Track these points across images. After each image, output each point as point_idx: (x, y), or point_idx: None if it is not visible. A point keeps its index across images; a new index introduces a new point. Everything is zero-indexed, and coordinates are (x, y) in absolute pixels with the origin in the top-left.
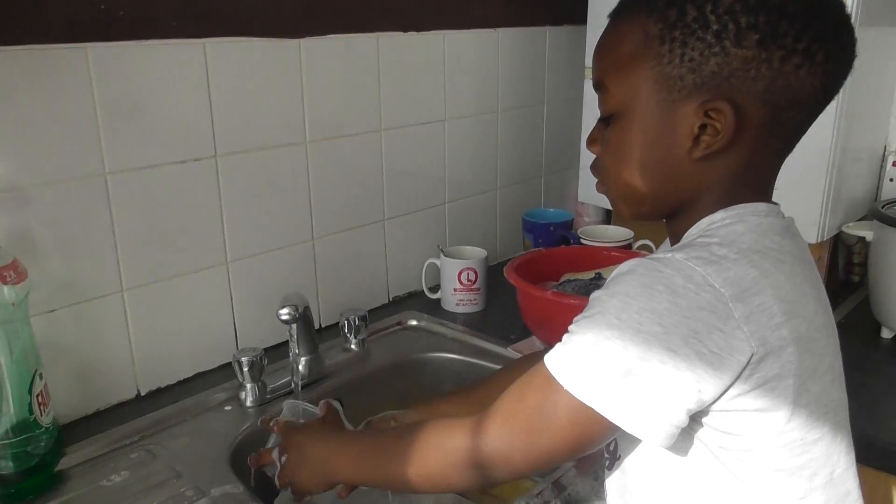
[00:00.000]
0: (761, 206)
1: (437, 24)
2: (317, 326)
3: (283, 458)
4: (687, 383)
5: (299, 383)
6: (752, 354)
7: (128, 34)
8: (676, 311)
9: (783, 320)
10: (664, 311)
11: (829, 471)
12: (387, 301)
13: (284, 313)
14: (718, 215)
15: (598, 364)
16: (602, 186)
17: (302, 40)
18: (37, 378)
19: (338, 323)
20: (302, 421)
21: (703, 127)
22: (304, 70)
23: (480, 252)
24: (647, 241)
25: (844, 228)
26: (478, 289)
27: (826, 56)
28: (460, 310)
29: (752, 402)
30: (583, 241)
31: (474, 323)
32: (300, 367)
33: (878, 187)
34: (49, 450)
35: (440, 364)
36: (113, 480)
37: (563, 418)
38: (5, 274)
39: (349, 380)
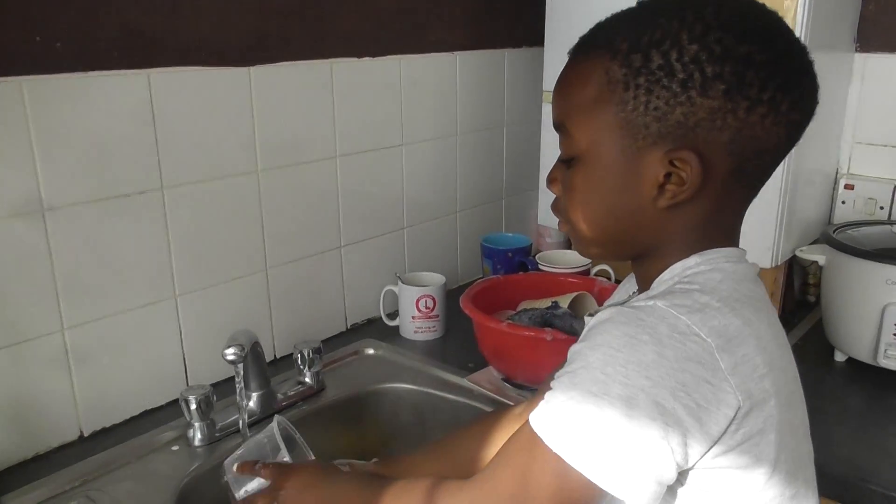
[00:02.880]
0: (734, 251)
1: (392, 49)
2: (271, 358)
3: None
4: (675, 439)
5: (246, 422)
6: (739, 408)
7: (66, 66)
8: (663, 362)
9: (766, 372)
10: (651, 364)
11: None
12: (345, 328)
13: (230, 353)
14: (692, 260)
15: (584, 423)
16: (564, 226)
17: (252, 68)
18: None
19: (292, 354)
20: (286, 459)
21: (667, 175)
22: (254, 98)
23: (439, 278)
24: (605, 267)
25: (798, 253)
26: (436, 316)
27: (791, 105)
28: (419, 337)
29: (735, 460)
30: (541, 266)
31: (433, 351)
32: (251, 404)
33: (831, 209)
34: None
35: (397, 395)
36: None
37: (550, 482)
38: None
39: (303, 415)
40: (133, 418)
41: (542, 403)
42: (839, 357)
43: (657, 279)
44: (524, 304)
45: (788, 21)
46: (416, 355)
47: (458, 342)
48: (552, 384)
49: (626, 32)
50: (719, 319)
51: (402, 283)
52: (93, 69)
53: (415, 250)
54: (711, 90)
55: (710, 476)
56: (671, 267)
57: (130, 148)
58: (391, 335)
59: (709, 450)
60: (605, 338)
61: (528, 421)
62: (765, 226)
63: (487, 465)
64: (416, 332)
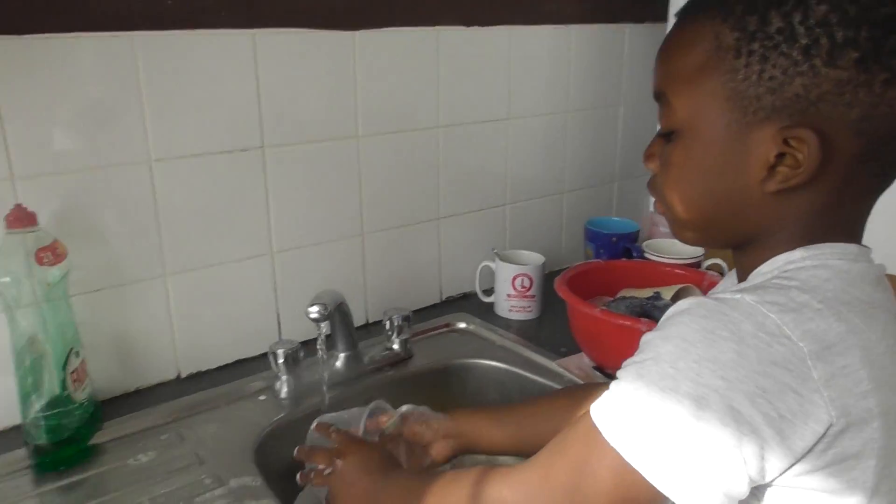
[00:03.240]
0: (851, 247)
1: (502, 19)
2: (363, 323)
3: (331, 470)
4: (750, 449)
5: (326, 380)
6: (831, 425)
7: (176, 23)
8: (743, 363)
9: (871, 388)
10: (728, 363)
11: None
12: (439, 300)
13: (314, 311)
14: (797, 254)
15: (647, 420)
16: (660, 206)
17: (356, 33)
18: (72, 356)
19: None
20: (360, 431)
21: (780, 156)
22: (357, 63)
23: (537, 258)
24: (719, 261)
25: None
26: (532, 296)
27: None
28: (513, 316)
29: (822, 482)
30: (647, 255)
31: (526, 331)
32: (337, 364)
33: None
34: (83, 424)
35: (484, 371)
36: (139, 460)
37: (606, 478)
38: (42, 255)
39: (388, 381)
40: (227, 365)
41: (605, 394)
42: None
43: (755, 271)
44: (623, 292)
45: None
46: (508, 334)
47: (552, 325)
48: (618, 373)
49: None
50: (818, 323)
51: (500, 259)
52: (200, 27)
53: (516, 228)
54: (841, 59)
55: (791, 496)
56: (773, 259)
57: (234, 105)
58: (485, 311)
59: (790, 467)
60: (679, 329)
61: (588, 411)
62: None
63: (541, 453)
64: (510, 310)
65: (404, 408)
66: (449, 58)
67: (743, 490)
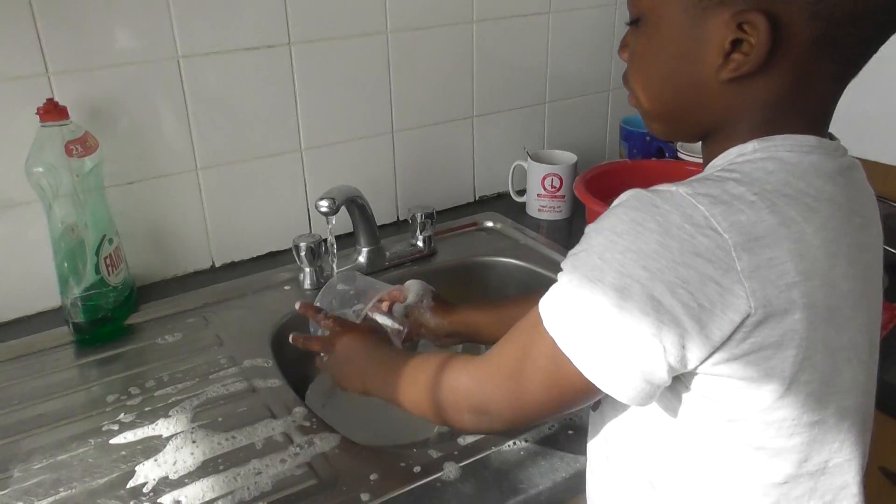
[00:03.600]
0: (809, 139)
1: None
2: (393, 220)
3: (328, 356)
4: (668, 338)
5: (334, 269)
6: (749, 315)
7: None
8: (666, 254)
9: (797, 280)
10: (651, 254)
11: (824, 458)
12: (473, 200)
13: (323, 205)
14: (750, 146)
15: (577, 310)
16: (631, 98)
17: None
18: (105, 243)
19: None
20: (351, 311)
21: (736, 42)
22: None
23: (570, 157)
24: None
25: None
26: (562, 196)
27: None
28: (543, 216)
29: (741, 370)
30: (680, 155)
31: (555, 231)
32: (360, 258)
33: None
34: (118, 306)
35: (505, 269)
36: (166, 340)
37: (543, 365)
38: (72, 147)
39: (410, 275)
40: (259, 257)
41: (553, 286)
42: None
43: (710, 164)
44: None
45: None
46: (534, 234)
47: (581, 225)
48: (561, 264)
49: None
50: (748, 215)
51: (531, 159)
52: None
53: (556, 127)
54: None
55: (713, 383)
56: (727, 151)
57: (259, 2)
58: (517, 212)
59: (710, 355)
60: (611, 220)
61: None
62: None
63: (498, 342)
64: (539, 210)
65: (412, 293)
66: None
67: (663, 377)
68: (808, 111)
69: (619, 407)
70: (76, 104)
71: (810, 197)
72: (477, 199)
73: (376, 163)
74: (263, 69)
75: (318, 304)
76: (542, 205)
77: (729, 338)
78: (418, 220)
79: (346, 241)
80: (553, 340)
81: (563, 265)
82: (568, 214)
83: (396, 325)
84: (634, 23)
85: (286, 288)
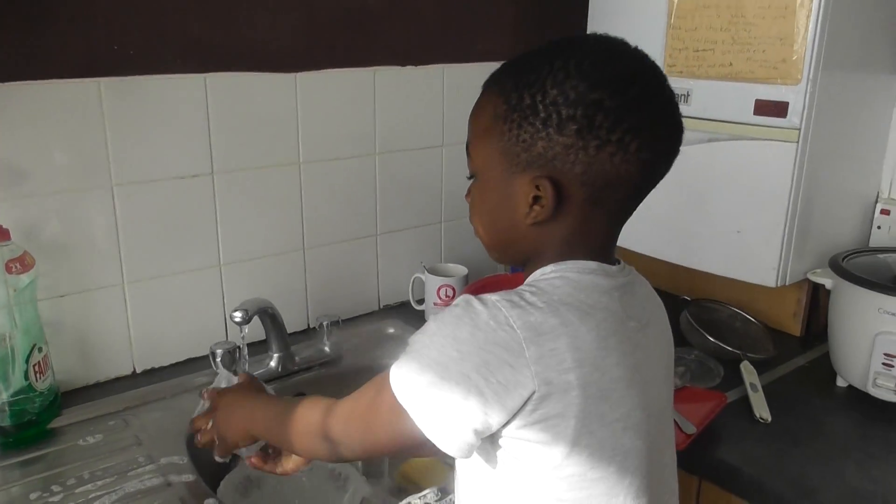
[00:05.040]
0: (590, 264)
1: (437, 59)
2: (304, 328)
3: (212, 421)
4: (475, 406)
5: (246, 369)
6: (534, 392)
7: (137, 70)
8: (473, 341)
9: (572, 366)
10: (464, 341)
11: None
12: (378, 308)
13: (237, 316)
14: (549, 268)
15: (413, 373)
16: (476, 232)
17: (298, 74)
18: (35, 351)
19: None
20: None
21: (536, 198)
22: (299, 101)
23: (462, 270)
24: None
25: (809, 275)
26: None
27: (640, 146)
28: None
29: (534, 435)
30: None
31: None
32: (272, 363)
33: (870, 233)
34: (43, 410)
35: None
36: (87, 441)
37: (385, 414)
38: (11, 265)
39: (319, 378)
40: (179, 363)
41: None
42: (840, 383)
43: (525, 280)
44: None
45: (797, 41)
46: None
47: None
48: (409, 339)
49: (513, 73)
50: (536, 317)
51: (427, 272)
52: (158, 73)
53: (450, 243)
54: (566, 129)
55: (516, 445)
56: (536, 271)
57: (189, 139)
58: (418, 318)
59: (508, 422)
60: (443, 315)
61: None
62: (768, 245)
63: (360, 388)
64: None
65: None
66: (385, 93)
67: (471, 437)
68: (591, 244)
69: (463, 464)
70: (17, 225)
71: (587, 305)
72: (381, 307)
73: (289, 276)
74: (188, 195)
75: None
76: (438, 312)
77: (521, 409)
78: (325, 328)
79: (260, 347)
80: (394, 395)
81: (408, 341)
82: None
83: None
84: (472, 177)
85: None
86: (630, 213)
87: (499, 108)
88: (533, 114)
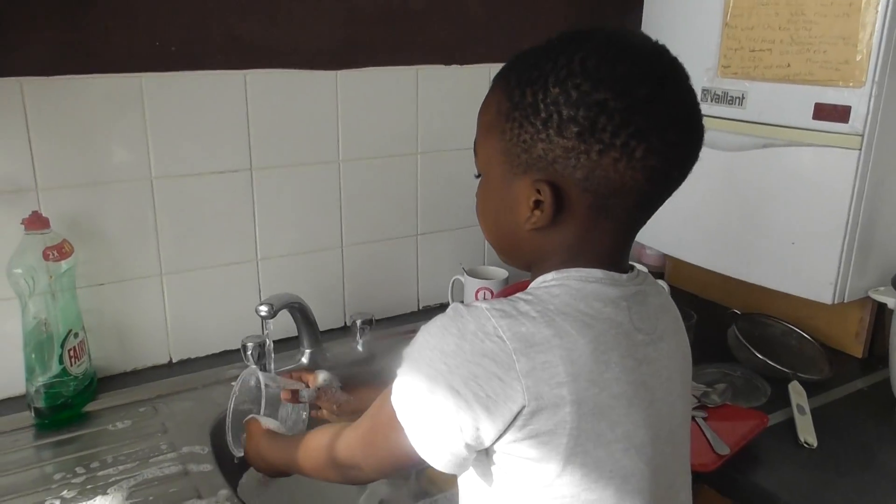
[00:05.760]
0: (596, 272)
1: (482, 58)
2: (341, 325)
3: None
4: (464, 421)
5: (271, 368)
6: (524, 406)
7: (178, 66)
8: (461, 353)
9: (566, 381)
10: (450, 353)
11: None
12: (416, 309)
13: (262, 309)
14: (550, 276)
15: (406, 389)
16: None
17: (339, 72)
18: (70, 336)
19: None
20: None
21: (537, 202)
22: (340, 98)
23: (501, 273)
24: (661, 283)
25: (871, 293)
26: None
27: (646, 152)
28: None
29: (526, 451)
30: None
31: None
32: (303, 359)
33: None
34: (77, 394)
35: None
36: (116, 426)
37: (384, 430)
38: (48, 252)
39: (346, 375)
40: (213, 354)
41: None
42: None
43: (527, 287)
44: None
45: (862, 40)
46: None
47: None
48: (404, 351)
49: (519, 69)
50: (528, 327)
51: (466, 274)
52: (198, 69)
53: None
54: (566, 131)
55: (509, 461)
56: (538, 278)
57: (228, 134)
58: None
59: (499, 437)
60: (429, 325)
61: None
62: (825, 259)
63: (365, 412)
64: None
65: (321, 379)
66: (428, 92)
67: (463, 452)
68: (597, 252)
69: (463, 480)
70: (58, 215)
71: (587, 316)
72: (420, 308)
73: (326, 273)
74: (227, 190)
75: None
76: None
77: (511, 423)
78: (358, 326)
79: (293, 343)
80: (394, 412)
81: (402, 354)
82: None
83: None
84: (479, 176)
85: (233, 383)
86: (644, 222)
87: (502, 105)
88: (534, 113)
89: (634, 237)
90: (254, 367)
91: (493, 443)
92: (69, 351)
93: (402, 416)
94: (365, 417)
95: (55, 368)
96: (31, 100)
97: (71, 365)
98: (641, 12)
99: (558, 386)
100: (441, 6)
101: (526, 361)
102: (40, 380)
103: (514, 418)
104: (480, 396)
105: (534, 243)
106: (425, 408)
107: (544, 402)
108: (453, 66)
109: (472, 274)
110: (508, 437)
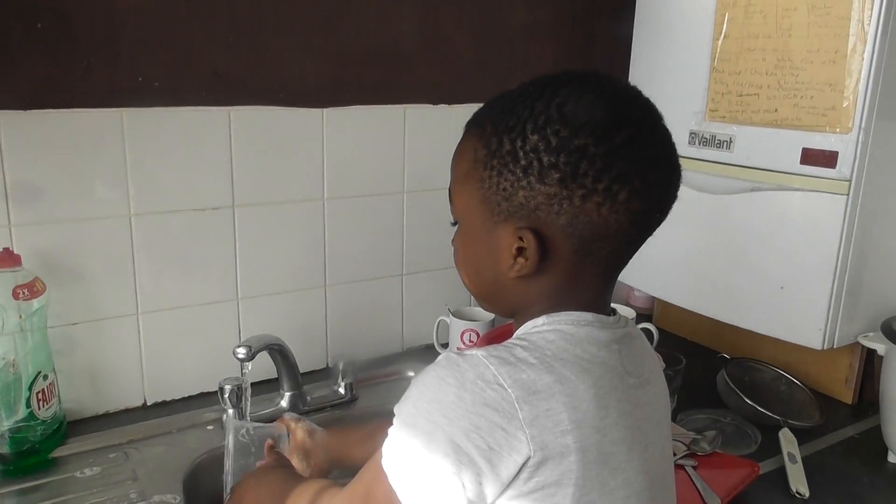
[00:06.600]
0: (586, 315)
1: (470, 98)
2: (323, 367)
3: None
4: (467, 476)
5: (247, 412)
6: (530, 457)
7: (161, 101)
8: (461, 404)
9: (570, 428)
10: (449, 404)
11: None
12: (400, 350)
13: (240, 352)
14: (541, 320)
15: (399, 448)
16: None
17: (325, 110)
18: (39, 378)
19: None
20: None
21: (520, 249)
22: (326, 136)
23: (487, 315)
24: (649, 326)
25: (860, 339)
26: None
27: (630, 195)
28: None
29: None
30: None
31: None
32: (283, 402)
33: None
34: (45, 438)
35: None
36: (85, 473)
37: (379, 496)
38: (18, 291)
39: (331, 419)
40: (190, 397)
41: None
42: (892, 459)
43: (515, 334)
44: None
45: (849, 87)
46: None
47: None
48: (395, 407)
49: (494, 115)
50: (528, 374)
51: (452, 315)
52: (182, 105)
53: None
54: (548, 178)
55: None
56: (526, 323)
57: (210, 171)
58: None
59: (503, 492)
60: (423, 376)
61: None
62: (814, 304)
63: (357, 474)
64: None
65: (291, 421)
66: (414, 132)
67: None
68: (584, 297)
69: None
70: (31, 252)
71: (584, 360)
72: (405, 349)
73: (309, 313)
74: (208, 227)
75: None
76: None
77: (515, 476)
78: (339, 368)
79: (273, 385)
80: (386, 475)
81: (393, 411)
82: None
83: None
84: (456, 223)
85: (209, 428)
86: (626, 263)
87: (479, 153)
88: (513, 161)
89: (617, 279)
90: (240, 422)
91: (497, 498)
92: (37, 394)
93: (395, 480)
94: (357, 484)
95: (22, 412)
96: (7, 132)
97: (39, 408)
98: (629, 56)
99: (563, 434)
100: (430, 46)
101: (529, 410)
102: (6, 424)
103: (519, 470)
104: (483, 449)
105: (518, 290)
106: (422, 467)
107: (549, 451)
108: (441, 106)
109: (458, 315)
110: (511, 492)
